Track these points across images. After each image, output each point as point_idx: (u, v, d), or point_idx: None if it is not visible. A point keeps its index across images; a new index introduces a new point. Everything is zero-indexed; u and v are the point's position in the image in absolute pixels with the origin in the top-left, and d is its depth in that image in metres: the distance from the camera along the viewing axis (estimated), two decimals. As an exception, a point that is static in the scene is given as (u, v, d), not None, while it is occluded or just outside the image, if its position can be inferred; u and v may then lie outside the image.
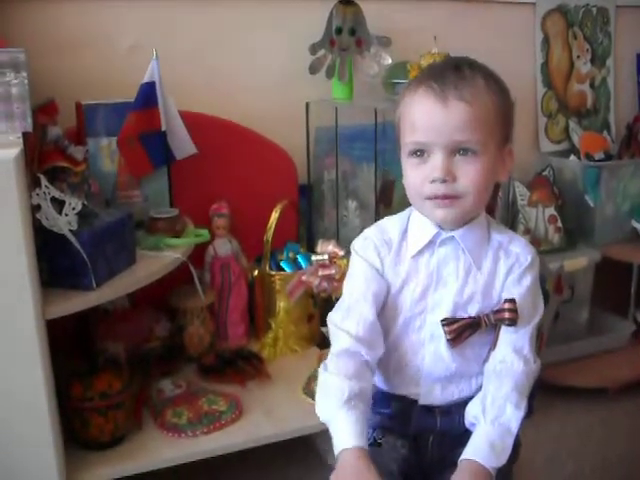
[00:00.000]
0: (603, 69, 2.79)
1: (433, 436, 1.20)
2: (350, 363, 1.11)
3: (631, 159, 2.59)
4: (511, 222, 2.40)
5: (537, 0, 2.59)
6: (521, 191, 2.43)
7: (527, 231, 2.41)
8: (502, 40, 2.52)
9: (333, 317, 1.17)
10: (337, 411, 1.07)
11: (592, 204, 2.50)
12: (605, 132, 2.70)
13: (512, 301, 1.13)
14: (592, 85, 2.77)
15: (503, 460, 1.07)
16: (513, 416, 1.09)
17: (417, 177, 1.11)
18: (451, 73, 1.09)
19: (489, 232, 1.18)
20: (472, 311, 1.15)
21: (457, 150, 1.08)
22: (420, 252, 1.16)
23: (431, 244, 1.16)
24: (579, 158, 2.58)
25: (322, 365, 1.14)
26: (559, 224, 2.46)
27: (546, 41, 2.64)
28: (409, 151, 1.12)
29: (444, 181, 1.08)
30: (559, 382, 2.28)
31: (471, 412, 1.13)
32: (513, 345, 1.14)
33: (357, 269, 1.19)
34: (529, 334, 1.16)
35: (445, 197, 1.09)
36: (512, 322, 1.13)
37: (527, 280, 1.17)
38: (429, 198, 1.10)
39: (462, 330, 1.13)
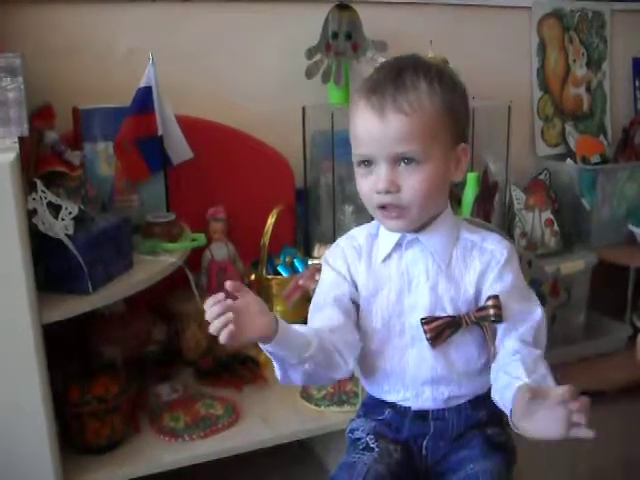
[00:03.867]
0: (599, 73, 2.80)
1: (427, 440, 1.20)
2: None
3: (627, 163, 2.60)
4: (507, 226, 2.40)
5: (533, 5, 2.60)
6: (517, 195, 2.43)
7: (523, 235, 2.41)
8: (498, 44, 2.52)
9: (308, 318, 1.19)
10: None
11: (588, 207, 2.51)
12: (601, 136, 2.71)
13: (495, 297, 1.12)
14: (588, 89, 2.78)
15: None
16: (549, 374, 1.08)
17: (366, 186, 1.13)
18: (390, 83, 1.09)
19: (458, 231, 1.19)
20: (448, 310, 1.15)
21: (400, 159, 1.09)
22: (389, 256, 1.18)
23: (398, 247, 1.17)
24: (575, 162, 2.59)
25: None
26: (555, 227, 2.46)
27: (542, 45, 2.65)
28: (357, 161, 1.14)
29: (388, 192, 1.10)
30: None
31: (512, 372, 1.07)
32: (520, 339, 1.12)
33: (324, 276, 1.22)
34: (534, 329, 1.14)
35: (391, 207, 1.11)
36: (498, 318, 1.11)
37: (509, 275, 1.16)
38: (378, 207, 1.13)
39: (442, 329, 1.13)
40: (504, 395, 1.07)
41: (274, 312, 1.10)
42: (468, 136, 1.18)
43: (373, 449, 1.16)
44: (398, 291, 1.17)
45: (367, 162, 1.12)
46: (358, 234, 1.23)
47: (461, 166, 1.15)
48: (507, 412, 1.04)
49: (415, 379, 1.18)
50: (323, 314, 1.16)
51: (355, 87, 2.11)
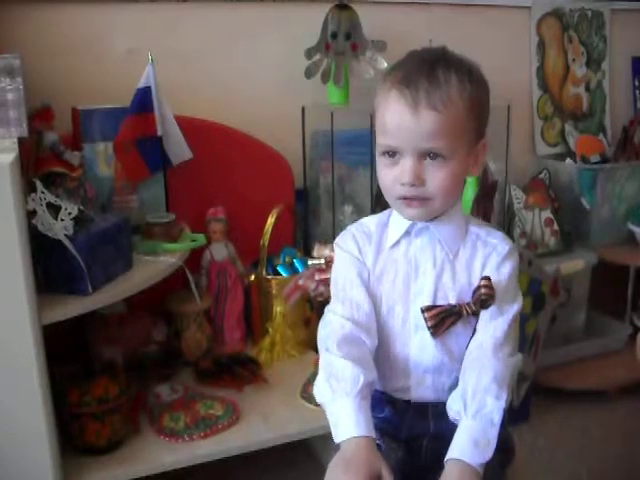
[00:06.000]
0: (598, 72, 2.79)
1: (427, 440, 1.20)
2: (355, 349, 1.12)
3: (627, 162, 2.60)
4: (507, 225, 2.40)
5: (532, 4, 2.59)
6: (517, 194, 2.43)
7: (523, 234, 2.41)
8: (498, 44, 2.52)
9: (331, 306, 1.20)
10: (349, 398, 1.07)
11: (588, 207, 2.50)
12: (601, 135, 2.71)
13: (487, 278, 1.13)
14: (588, 88, 2.78)
15: (488, 455, 1.06)
16: (494, 408, 1.09)
17: (389, 177, 1.13)
18: (424, 77, 1.09)
19: (467, 224, 1.21)
20: (452, 300, 1.16)
21: (427, 154, 1.10)
22: (397, 242, 1.19)
23: (407, 234, 1.19)
24: (575, 161, 2.59)
25: (322, 345, 1.16)
26: (555, 227, 2.46)
27: (541, 45, 2.65)
28: (381, 151, 1.14)
29: (413, 185, 1.10)
30: (557, 385, 2.28)
31: (453, 407, 1.12)
32: (491, 333, 1.14)
33: (338, 260, 1.23)
34: (507, 324, 1.15)
35: (414, 199, 1.12)
36: (489, 298, 1.12)
37: (506, 268, 1.17)
38: (400, 198, 1.13)
39: (443, 317, 1.14)
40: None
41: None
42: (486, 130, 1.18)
43: (380, 446, 1.16)
44: (405, 277, 1.18)
45: (392, 153, 1.12)
46: (369, 222, 1.24)
47: (479, 161, 1.17)
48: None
49: (417, 367, 1.18)
50: (351, 301, 1.17)
51: (354, 87, 2.16)
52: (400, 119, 1.09)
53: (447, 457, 1.07)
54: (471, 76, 1.12)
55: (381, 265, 1.19)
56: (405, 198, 1.12)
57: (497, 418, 1.08)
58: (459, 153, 1.11)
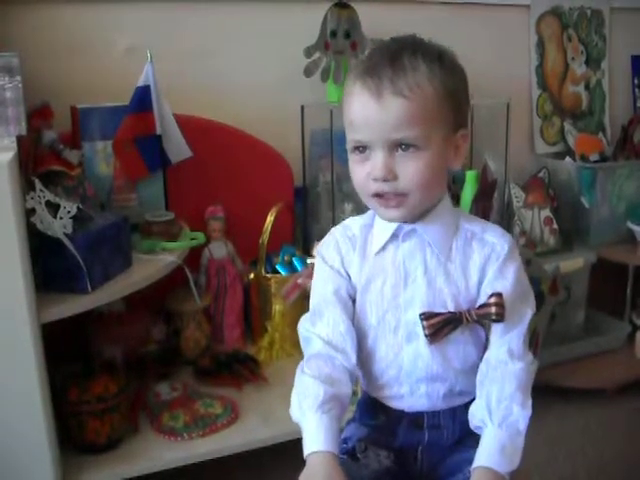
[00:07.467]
0: (598, 71, 2.79)
1: (422, 449, 1.17)
2: (324, 367, 1.08)
3: (626, 161, 2.60)
4: (506, 224, 2.40)
5: (532, 2, 2.59)
6: (516, 193, 2.43)
7: (523, 233, 2.41)
8: (497, 42, 2.53)
9: (304, 321, 1.15)
10: (311, 414, 1.04)
11: (587, 205, 2.50)
12: (600, 134, 2.70)
13: (498, 295, 1.08)
14: (587, 87, 2.77)
15: (516, 463, 1.04)
16: (520, 416, 1.06)
17: (360, 174, 1.07)
18: (388, 65, 1.03)
19: (458, 221, 1.14)
20: (449, 306, 1.11)
21: (398, 145, 1.04)
22: (384, 247, 1.12)
23: (394, 238, 1.12)
24: (574, 160, 2.59)
25: (299, 366, 1.12)
26: (555, 226, 2.46)
27: (541, 43, 2.65)
28: (351, 147, 1.09)
29: (385, 180, 1.04)
30: (556, 383, 2.28)
31: (477, 415, 1.09)
32: (508, 346, 1.10)
33: (317, 272, 1.17)
34: (523, 332, 1.11)
35: (389, 196, 1.06)
36: (499, 317, 1.08)
37: (510, 272, 1.11)
38: (374, 196, 1.08)
39: (441, 325, 1.09)
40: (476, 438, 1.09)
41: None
42: (468, 121, 1.13)
43: (359, 459, 1.14)
44: (393, 285, 1.12)
45: (362, 148, 1.07)
46: (353, 224, 1.18)
47: (460, 153, 1.10)
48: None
49: (410, 376, 1.14)
50: (327, 318, 1.12)
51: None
52: (365, 110, 1.04)
53: (474, 465, 1.04)
54: (442, 62, 1.05)
55: (367, 273, 1.14)
56: (379, 195, 1.07)
57: (523, 427, 1.06)
58: (434, 143, 1.04)
